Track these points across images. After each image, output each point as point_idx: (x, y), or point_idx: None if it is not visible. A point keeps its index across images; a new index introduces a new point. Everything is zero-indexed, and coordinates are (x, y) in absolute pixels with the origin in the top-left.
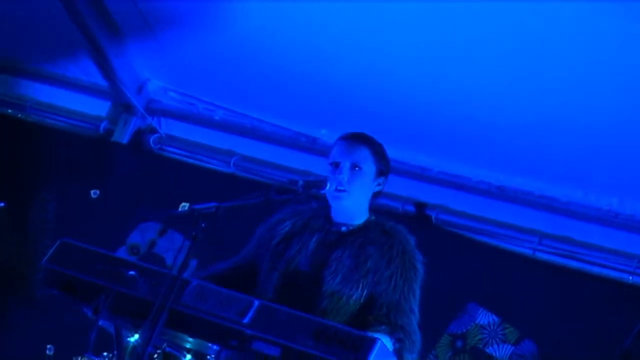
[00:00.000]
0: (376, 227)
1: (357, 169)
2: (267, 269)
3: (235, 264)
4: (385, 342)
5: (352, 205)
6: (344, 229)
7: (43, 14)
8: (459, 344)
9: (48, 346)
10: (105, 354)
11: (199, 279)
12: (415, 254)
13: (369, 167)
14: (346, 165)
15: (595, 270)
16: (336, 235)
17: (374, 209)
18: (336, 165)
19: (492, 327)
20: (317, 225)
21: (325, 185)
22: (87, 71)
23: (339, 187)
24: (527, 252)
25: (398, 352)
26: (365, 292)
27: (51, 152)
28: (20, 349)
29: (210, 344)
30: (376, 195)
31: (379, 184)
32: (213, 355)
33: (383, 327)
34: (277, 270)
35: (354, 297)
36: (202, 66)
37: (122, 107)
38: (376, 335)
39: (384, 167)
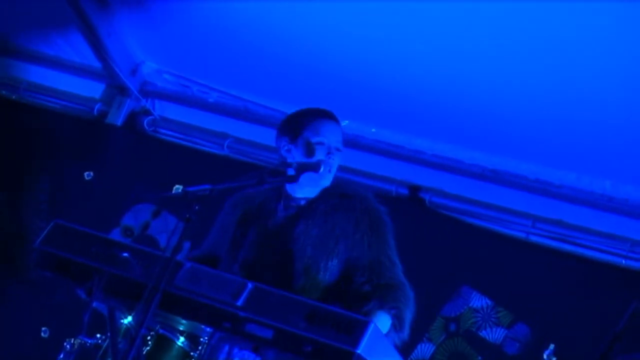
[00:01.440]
0: (334, 193)
1: (338, 151)
2: (225, 261)
3: (195, 259)
4: (381, 320)
5: (325, 184)
6: (302, 202)
7: None
8: (452, 327)
9: (42, 328)
10: (98, 335)
11: None
12: (378, 207)
13: (343, 148)
14: (332, 147)
15: (589, 253)
16: (295, 209)
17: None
18: (322, 146)
19: (485, 310)
20: (272, 206)
21: (319, 168)
22: (81, 53)
23: (330, 168)
24: (521, 235)
25: (397, 318)
26: (337, 260)
27: (45, 134)
28: (15, 331)
29: (203, 326)
30: None
31: None
32: (206, 337)
33: (372, 303)
34: (237, 262)
35: (329, 268)
36: (196, 48)
37: (116, 89)
38: (372, 317)
39: None
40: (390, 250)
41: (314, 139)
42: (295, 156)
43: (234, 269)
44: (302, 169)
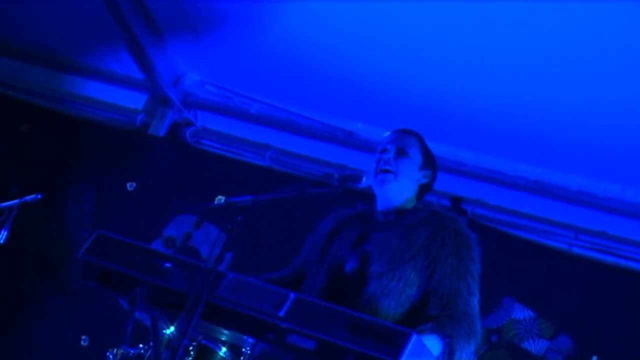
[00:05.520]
0: (424, 210)
1: (403, 153)
2: (312, 270)
3: (286, 277)
4: (430, 342)
5: (398, 191)
6: (389, 214)
7: (83, 10)
8: (494, 338)
9: (83, 337)
10: (141, 345)
11: None
12: (468, 233)
13: (415, 153)
14: (392, 149)
15: (632, 265)
16: (382, 219)
17: None
18: (382, 151)
19: (527, 322)
20: (361, 218)
21: (361, 179)
22: (124, 64)
23: (383, 168)
24: (563, 246)
25: (449, 346)
26: (415, 273)
27: (88, 145)
28: (57, 339)
29: (245, 337)
30: (423, 188)
31: (424, 176)
32: (248, 348)
33: (428, 324)
34: (322, 268)
35: (403, 277)
36: (238, 60)
37: (159, 100)
38: (423, 336)
39: (430, 161)
40: (471, 278)
41: (376, 152)
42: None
43: (320, 276)
44: (343, 180)
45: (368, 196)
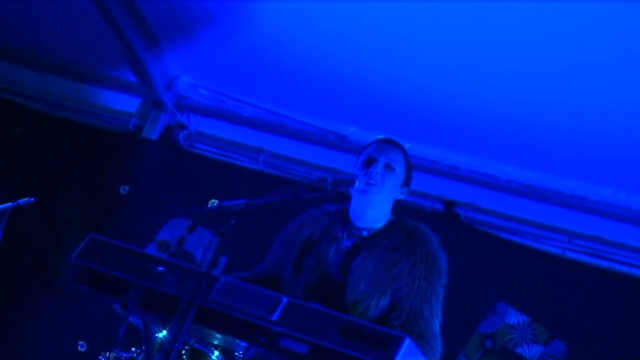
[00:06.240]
0: (399, 229)
1: (390, 168)
2: (289, 282)
3: (257, 276)
4: None
5: (377, 204)
6: (365, 233)
7: (76, 14)
8: (488, 344)
9: (80, 342)
10: (133, 349)
11: None
12: (439, 254)
13: (401, 170)
14: (381, 162)
15: (626, 269)
16: (358, 240)
17: (400, 207)
18: (370, 162)
19: (522, 327)
20: (336, 233)
21: (355, 183)
22: (117, 68)
23: (370, 181)
24: (557, 251)
25: None
26: (389, 300)
27: (82, 148)
28: (51, 345)
29: (238, 341)
30: (398, 203)
31: (402, 193)
32: (241, 352)
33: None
34: (299, 284)
35: (380, 306)
36: (231, 63)
37: (152, 104)
38: None
39: (410, 177)
40: (435, 301)
41: (361, 159)
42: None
43: (296, 293)
44: (337, 184)
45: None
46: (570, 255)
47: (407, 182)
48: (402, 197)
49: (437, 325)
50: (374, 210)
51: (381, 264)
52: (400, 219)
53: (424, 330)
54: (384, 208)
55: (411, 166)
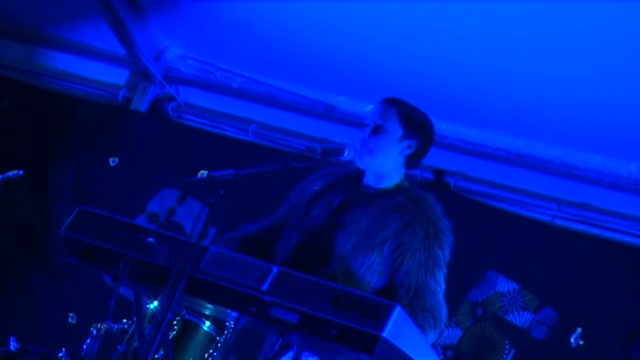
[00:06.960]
0: (403, 193)
1: (380, 129)
2: (289, 226)
3: (266, 226)
4: None
5: (378, 166)
6: (370, 190)
7: None
8: (479, 311)
9: (70, 314)
10: (124, 320)
11: (227, 240)
12: (440, 221)
13: (394, 125)
14: (369, 127)
15: (615, 236)
16: (361, 196)
17: None
18: (362, 126)
19: (512, 294)
20: (346, 185)
21: (344, 152)
22: (105, 39)
23: (359, 147)
24: (546, 218)
25: None
26: (379, 259)
27: (69, 120)
28: (42, 317)
29: (229, 311)
30: (410, 158)
31: (408, 147)
32: (232, 322)
33: None
34: (297, 229)
35: (365, 263)
36: (220, 34)
37: (141, 75)
38: None
39: (415, 129)
40: (438, 270)
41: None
42: None
43: (292, 236)
44: (326, 153)
45: None
46: (559, 222)
47: (409, 135)
48: (410, 151)
49: (441, 293)
50: (376, 170)
51: (374, 223)
52: (409, 185)
53: (430, 304)
54: (387, 166)
55: (412, 119)
